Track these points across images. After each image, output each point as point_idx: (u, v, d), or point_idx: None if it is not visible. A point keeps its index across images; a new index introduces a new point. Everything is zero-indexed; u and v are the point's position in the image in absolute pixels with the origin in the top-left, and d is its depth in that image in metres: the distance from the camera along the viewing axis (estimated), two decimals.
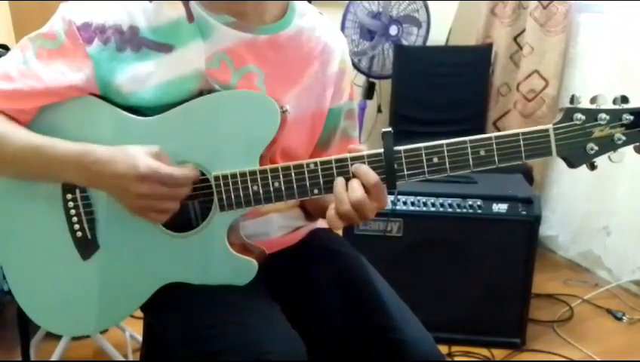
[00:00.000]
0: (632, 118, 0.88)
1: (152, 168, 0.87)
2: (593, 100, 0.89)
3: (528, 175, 2.29)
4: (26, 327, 1.58)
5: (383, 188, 0.90)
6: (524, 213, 1.83)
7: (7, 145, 0.91)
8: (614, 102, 0.89)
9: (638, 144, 0.89)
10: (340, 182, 0.90)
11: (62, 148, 0.91)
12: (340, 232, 1.22)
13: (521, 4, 2.79)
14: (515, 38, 2.84)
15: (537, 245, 1.91)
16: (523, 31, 2.76)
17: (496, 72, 2.90)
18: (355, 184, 0.88)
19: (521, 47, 2.79)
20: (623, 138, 0.89)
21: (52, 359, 1.70)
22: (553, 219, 2.70)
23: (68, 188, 0.96)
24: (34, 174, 0.94)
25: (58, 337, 1.72)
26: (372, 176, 0.88)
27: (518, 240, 1.84)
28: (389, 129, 0.90)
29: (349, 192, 0.88)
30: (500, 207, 1.84)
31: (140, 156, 0.88)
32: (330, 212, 0.90)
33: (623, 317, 2.18)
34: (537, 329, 2.05)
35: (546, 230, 2.67)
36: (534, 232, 1.85)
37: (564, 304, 2.26)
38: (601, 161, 0.91)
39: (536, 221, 1.83)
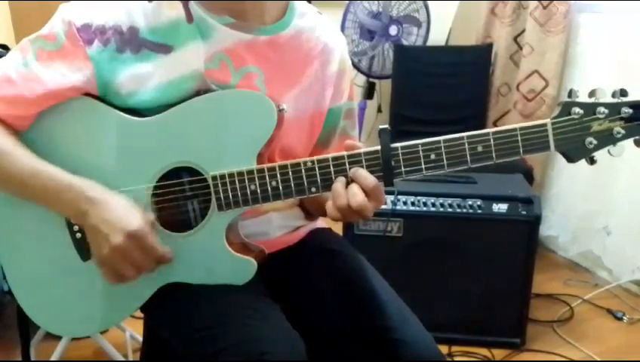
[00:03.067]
0: (631, 111, 0.88)
1: (143, 232, 0.87)
2: (592, 94, 0.89)
3: (528, 175, 2.29)
4: (26, 327, 1.58)
5: (381, 188, 0.90)
6: (524, 213, 1.83)
7: (6, 166, 0.91)
8: (613, 95, 0.89)
9: (637, 137, 0.89)
10: (339, 180, 0.90)
11: (60, 178, 0.91)
12: (339, 232, 1.22)
13: (521, 4, 2.79)
14: (515, 38, 2.84)
15: (537, 245, 1.91)
16: (523, 31, 2.76)
17: (496, 72, 2.90)
18: (355, 189, 0.88)
19: (521, 47, 2.79)
20: (623, 131, 0.89)
21: (52, 359, 1.70)
22: (553, 219, 2.70)
23: None
24: (29, 197, 0.94)
25: (58, 337, 1.72)
26: (371, 180, 0.88)
27: (518, 240, 1.84)
28: (386, 126, 0.90)
29: (350, 197, 0.88)
30: (500, 207, 1.84)
31: (134, 214, 0.88)
32: (329, 203, 0.90)
33: (623, 317, 2.18)
34: (537, 329, 2.05)
35: (546, 230, 2.67)
36: (534, 232, 1.85)
37: (564, 304, 2.25)
38: (600, 160, 0.90)
39: (536, 221, 1.83)
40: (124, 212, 0.88)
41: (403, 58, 2.90)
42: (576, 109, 0.89)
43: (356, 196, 0.88)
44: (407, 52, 2.94)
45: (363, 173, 0.89)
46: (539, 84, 2.66)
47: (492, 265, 1.86)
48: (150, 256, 0.90)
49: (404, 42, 2.97)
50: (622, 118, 0.88)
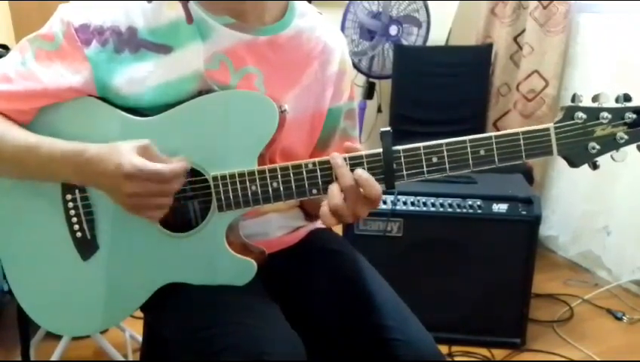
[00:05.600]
0: (634, 116, 0.87)
1: (136, 166, 0.85)
2: (595, 99, 0.89)
3: (528, 175, 2.29)
4: (26, 327, 1.58)
5: (374, 186, 0.88)
6: (524, 213, 1.83)
7: (5, 144, 0.91)
8: (617, 100, 0.88)
9: None
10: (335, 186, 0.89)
11: (58, 146, 0.90)
12: (340, 232, 1.22)
13: (521, 4, 2.79)
14: (515, 38, 2.84)
15: (537, 245, 1.91)
16: (523, 31, 2.76)
17: (496, 72, 2.90)
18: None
19: (521, 47, 2.79)
20: (626, 137, 0.88)
21: (52, 359, 1.70)
22: (553, 219, 2.71)
23: (67, 188, 0.96)
24: (32, 173, 0.94)
25: (58, 337, 1.72)
26: (376, 190, 0.87)
27: (518, 240, 1.84)
28: (388, 128, 0.90)
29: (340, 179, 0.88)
30: (500, 207, 1.84)
31: (125, 154, 0.86)
32: (324, 208, 0.90)
33: (623, 317, 2.18)
34: (537, 329, 2.05)
35: (546, 230, 2.68)
36: (534, 232, 1.85)
37: (564, 304, 2.26)
38: (601, 160, 0.90)
39: (536, 221, 1.83)
40: (117, 156, 0.86)
41: (403, 58, 2.90)
42: (580, 114, 0.88)
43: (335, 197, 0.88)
44: (407, 52, 2.93)
45: (370, 181, 0.88)
46: (539, 84, 2.66)
47: (492, 265, 1.87)
48: (163, 180, 0.87)
49: (404, 42, 2.96)
50: (625, 124, 0.88)
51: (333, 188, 0.89)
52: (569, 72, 2.63)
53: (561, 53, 2.59)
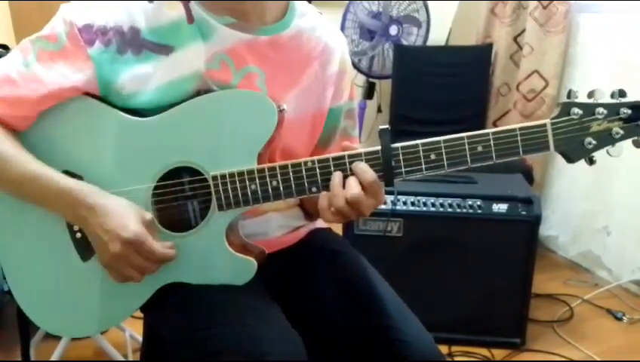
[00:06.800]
0: (629, 111, 0.88)
1: (137, 237, 0.87)
2: (591, 95, 0.89)
3: (528, 175, 2.29)
4: (25, 327, 1.58)
5: (380, 185, 0.90)
6: (524, 213, 1.83)
7: (6, 170, 0.92)
8: (612, 96, 0.89)
9: (636, 138, 0.89)
10: (337, 176, 0.90)
11: (59, 182, 0.91)
12: (339, 232, 1.22)
13: (521, 4, 2.79)
14: (515, 38, 2.84)
15: (537, 245, 1.91)
16: (523, 31, 2.77)
17: (496, 72, 2.90)
18: (352, 181, 0.89)
19: (521, 47, 2.79)
20: (621, 132, 0.89)
21: (52, 359, 1.70)
22: (553, 219, 2.71)
23: None
24: (29, 200, 0.95)
25: (58, 337, 1.72)
26: (370, 175, 0.89)
27: (518, 240, 1.84)
28: (387, 126, 0.90)
29: (346, 189, 0.88)
30: (500, 207, 1.84)
31: (130, 219, 0.88)
32: (323, 203, 0.90)
33: (623, 317, 2.18)
34: (537, 329, 2.05)
35: (546, 230, 2.67)
36: (534, 232, 1.85)
37: (564, 304, 2.26)
38: (600, 160, 0.91)
39: (536, 221, 1.83)
40: (122, 218, 0.89)
41: (403, 58, 2.90)
42: (576, 110, 0.89)
43: (352, 189, 0.88)
44: (407, 52, 2.94)
45: (362, 167, 0.89)
46: (539, 84, 2.66)
47: (492, 265, 1.87)
48: (150, 259, 0.90)
49: (404, 42, 2.97)
50: (621, 119, 0.89)
51: (338, 189, 0.89)
52: (569, 72, 2.63)
53: (561, 53, 2.59)
